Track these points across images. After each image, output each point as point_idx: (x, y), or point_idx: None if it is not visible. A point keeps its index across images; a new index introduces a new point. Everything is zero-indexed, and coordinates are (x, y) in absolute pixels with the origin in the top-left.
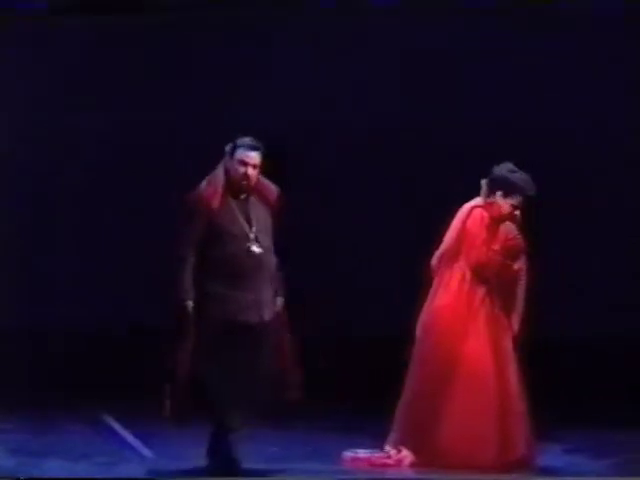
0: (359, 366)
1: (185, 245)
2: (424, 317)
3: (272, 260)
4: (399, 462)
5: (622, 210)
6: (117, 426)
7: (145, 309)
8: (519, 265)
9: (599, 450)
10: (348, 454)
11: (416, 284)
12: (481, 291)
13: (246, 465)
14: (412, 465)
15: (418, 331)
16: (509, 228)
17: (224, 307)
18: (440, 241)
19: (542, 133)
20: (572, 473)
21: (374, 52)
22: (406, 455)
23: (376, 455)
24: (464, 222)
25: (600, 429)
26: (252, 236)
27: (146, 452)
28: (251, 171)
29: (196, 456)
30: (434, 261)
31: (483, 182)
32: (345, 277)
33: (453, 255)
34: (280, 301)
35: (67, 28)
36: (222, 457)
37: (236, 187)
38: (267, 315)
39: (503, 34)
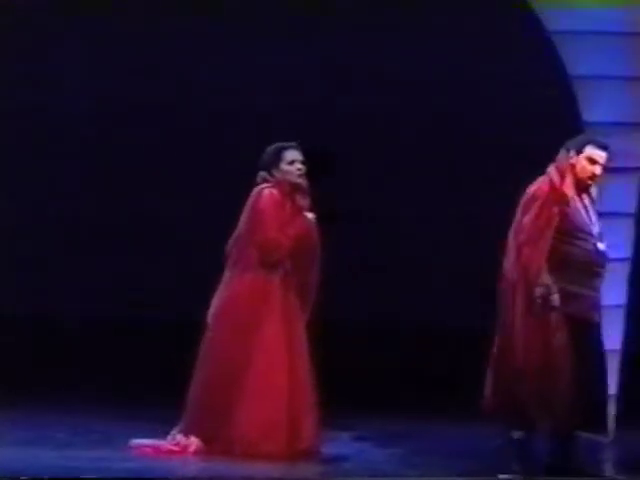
0: (147, 351)
1: (542, 237)
2: (217, 303)
3: None
4: (185, 449)
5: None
6: None
7: None
8: (312, 250)
9: (387, 438)
10: (136, 441)
11: None
12: (277, 277)
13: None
14: (198, 452)
15: (210, 318)
16: (305, 216)
17: (576, 305)
18: (235, 226)
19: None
20: (360, 461)
21: None
22: (193, 442)
23: (163, 442)
24: (254, 204)
25: (388, 417)
26: (596, 233)
27: None
28: (599, 170)
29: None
30: (228, 247)
31: (260, 173)
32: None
33: (247, 240)
34: None
35: None
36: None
37: (582, 184)
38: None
39: None
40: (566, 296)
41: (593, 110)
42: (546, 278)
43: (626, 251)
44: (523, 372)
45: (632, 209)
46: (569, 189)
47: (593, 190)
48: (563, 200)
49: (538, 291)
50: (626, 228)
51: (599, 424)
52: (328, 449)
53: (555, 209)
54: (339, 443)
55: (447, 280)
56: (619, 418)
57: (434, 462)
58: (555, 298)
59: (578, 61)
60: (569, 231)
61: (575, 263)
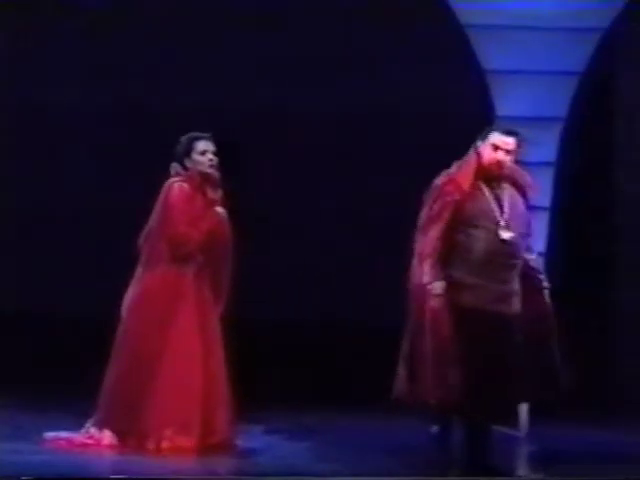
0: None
1: (431, 227)
2: (129, 297)
3: (523, 248)
4: (98, 442)
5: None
6: None
7: None
8: (224, 244)
9: (297, 432)
10: (49, 434)
11: None
12: (189, 271)
13: None
14: (112, 446)
15: (123, 312)
16: (216, 210)
17: (472, 296)
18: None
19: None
20: (272, 455)
21: None
22: (106, 435)
23: (77, 435)
24: (165, 199)
25: (297, 411)
26: (502, 223)
27: None
28: (503, 156)
29: None
30: (140, 241)
31: (173, 165)
32: None
33: (158, 234)
34: (546, 292)
35: None
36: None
37: (487, 172)
38: (516, 306)
39: None
40: (462, 287)
41: (506, 104)
42: (427, 266)
43: (540, 246)
44: (421, 364)
45: (546, 203)
46: (465, 178)
47: (524, 180)
48: (458, 190)
49: (424, 280)
50: (540, 223)
51: (508, 418)
52: (239, 442)
53: (448, 199)
54: (250, 436)
55: None
56: (533, 412)
57: (347, 456)
58: (436, 286)
59: (491, 55)
60: (465, 221)
61: (472, 253)
